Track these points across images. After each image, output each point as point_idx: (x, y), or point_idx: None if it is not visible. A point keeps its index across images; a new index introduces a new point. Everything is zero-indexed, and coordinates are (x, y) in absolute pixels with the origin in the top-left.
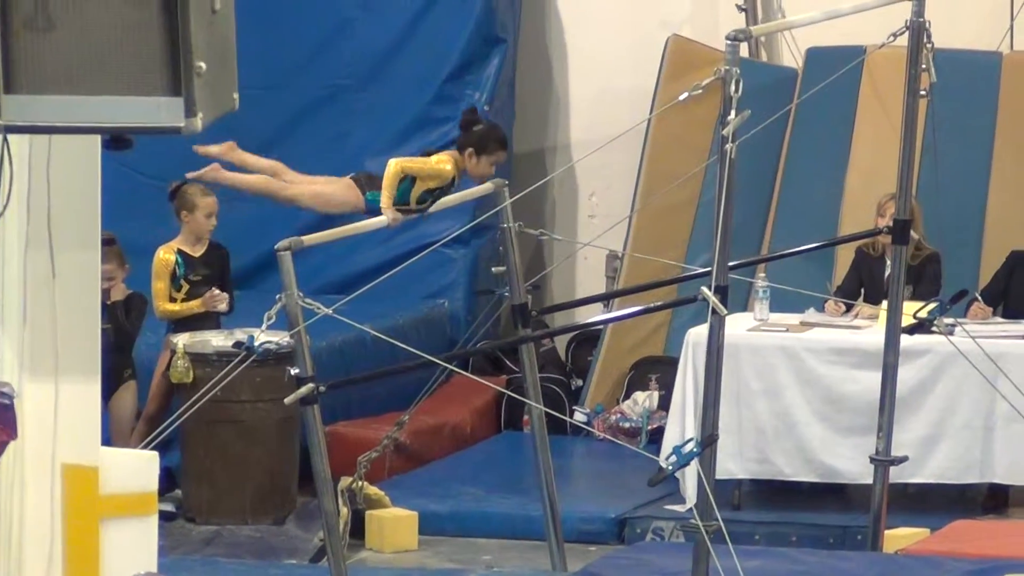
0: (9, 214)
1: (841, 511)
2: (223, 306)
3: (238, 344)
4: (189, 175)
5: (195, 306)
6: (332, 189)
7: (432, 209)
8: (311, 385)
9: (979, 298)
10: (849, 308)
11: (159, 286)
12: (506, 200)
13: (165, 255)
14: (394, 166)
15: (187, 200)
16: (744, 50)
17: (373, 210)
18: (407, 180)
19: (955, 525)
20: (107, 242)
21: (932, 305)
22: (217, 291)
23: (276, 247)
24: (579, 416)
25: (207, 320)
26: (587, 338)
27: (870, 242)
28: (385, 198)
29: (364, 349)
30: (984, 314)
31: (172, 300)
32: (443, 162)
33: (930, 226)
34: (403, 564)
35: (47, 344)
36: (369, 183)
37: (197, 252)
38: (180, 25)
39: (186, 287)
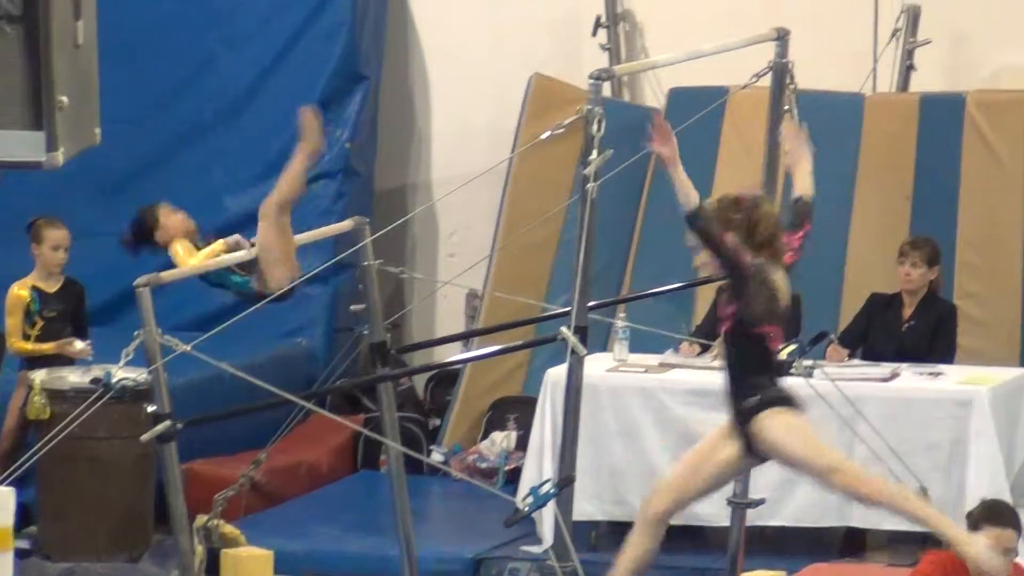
0: None
1: (699, 553)
2: (78, 347)
3: (95, 380)
4: None
5: (47, 348)
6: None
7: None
8: (168, 422)
9: (835, 340)
10: (706, 349)
11: (12, 322)
12: (367, 237)
13: (19, 291)
14: None
15: (35, 233)
16: (607, 89)
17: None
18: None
19: (813, 568)
20: None
21: (792, 347)
22: (76, 340)
23: (135, 283)
24: (436, 456)
25: (61, 357)
26: (446, 377)
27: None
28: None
29: (222, 386)
30: (840, 356)
31: (26, 337)
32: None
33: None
34: None
35: None
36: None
37: (52, 288)
38: (42, 59)
39: (40, 323)
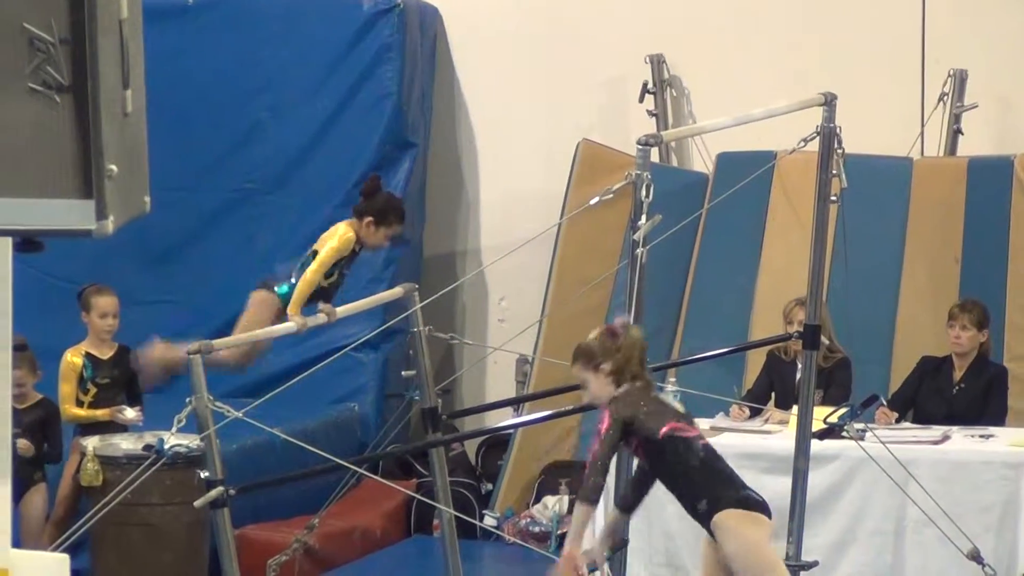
0: None
1: None
2: (129, 416)
3: (148, 447)
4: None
5: (101, 415)
6: (248, 314)
7: (341, 312)
8: (221, 488)
9: (884, 403)
10: (756, 413)
11: (66, 389)
12: (416, 304)
13: (72, 358)
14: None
15: (84, 301)
16: (655, 155)
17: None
18: (308, 259)
19: None
20: (19, 347)
21: (843, 410)
22: (127, 408)
23: (187, 350)
24: (489, 520)
25: (114, 424)
26: (497, 442)
27: (781, 347)
28: (292, 306)
29: (274, 452)
30: (888, 419)
31: (79, 403)
32: (342, 234)
33: (841, 331)
34: None
35: None
36: (275, 280)
37: (105, 355)
38: (92, 127)
39: (93, 390)
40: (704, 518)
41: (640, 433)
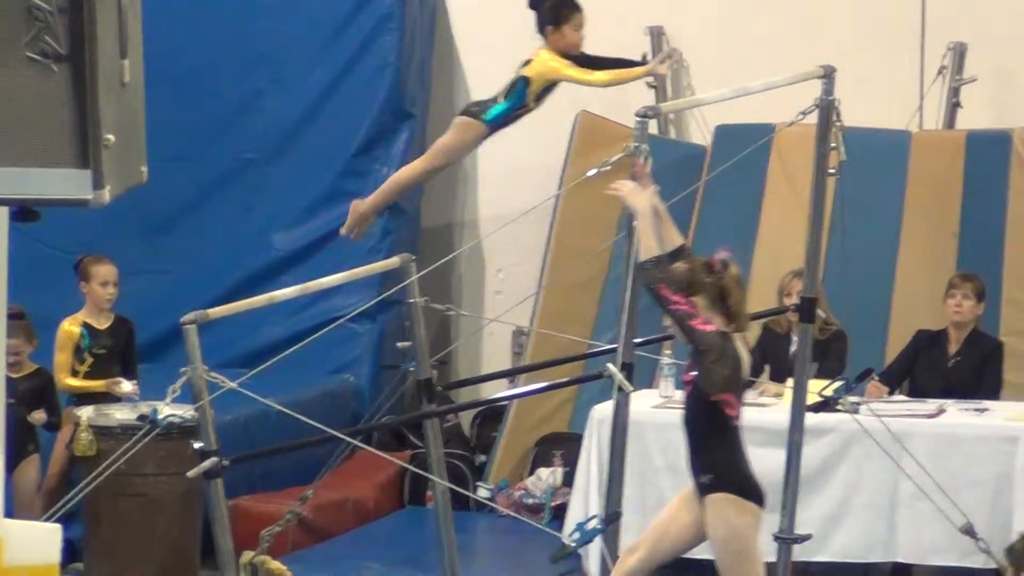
0: None
1: None
2: (126, 389)
3: (142, 417)
4: (343, 231)
5: (97, 386)
6: (448, 137)
7: (337, 280)
8: (215, 459)
9: (875, 377)
10: (749, 385)
11: (62, 358)
12: (413, 275)
13: (70, 327)
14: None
15: (83, 270)
16: (653, 127)
17: (499, 124)
18: (520, 81)
19: None
20: (15, 316)
21: (838, 383)
22: (123, 380)
23: (181, 320)
24: (483, 492)
25: (108, 395)
26: (492, 414)
27: (776, 320)
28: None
29: (268, 423)
30: (879, 393)
31: (75, 373)
32: (545, 59)
33: (837, 304)
34: None
35: None
36: (480, 106)
37: (102, 325)
38: (88, 97)
39: (90, 360)
40: (702, 490)
41: (707, 376)
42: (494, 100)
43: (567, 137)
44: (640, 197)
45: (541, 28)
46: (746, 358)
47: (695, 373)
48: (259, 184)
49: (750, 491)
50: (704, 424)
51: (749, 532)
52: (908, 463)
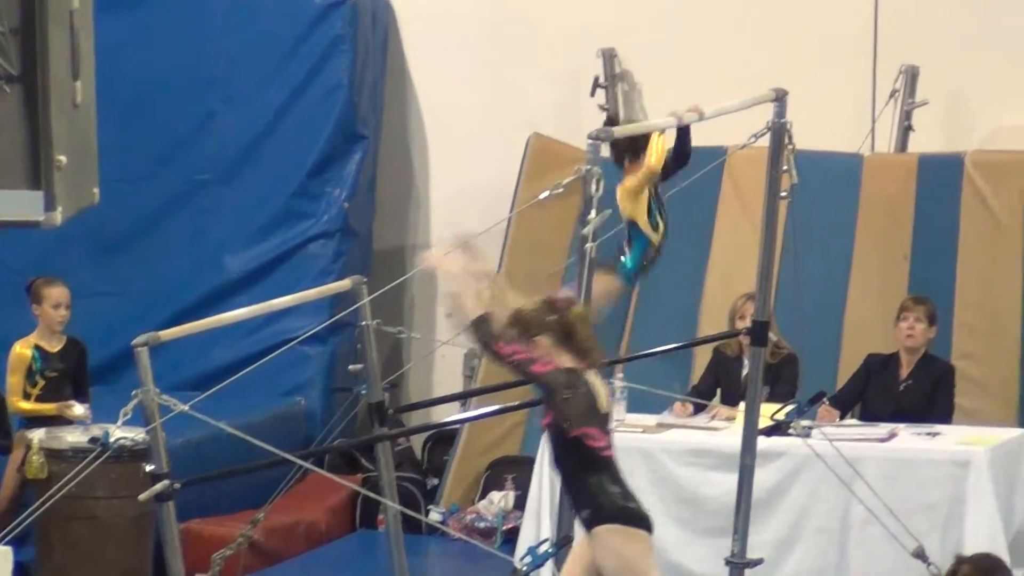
0: None
1: None
2: (78, 412)
3: (93, 440)
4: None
5: (48, 409)
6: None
7: (288, 302)
8: (166, 482)
9: (827, 401)
10: (700, 409)
11: (13, 381)
12: (364, 297)
13: (21, 349)
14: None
15: (35, 292)
16: (605, 149)
17: (632, 275)
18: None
19: None
20: None
21: (790, 407)
22: (75, 404)
23: (133, 342)
24: (434, 515)
25: (59, 417)
26: (444, 437)
27: (728, 343)
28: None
29: (220, 446)
30: (831, 417)
31: (27, 396)
32: (621, 196)
33: (789, 327)
34: None
35: None
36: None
37: (54, 347)
38: (41, 118)
39: (42, 383)
40: (586, 526)
41: (559, 414)
42: (621, 254)
43: (519, 159)
44: (445, 263)
45: (619, 161)
46: (602, 390)
47: (548, 416)
48: (211, 205)
49: (633, 519)
50: (572, 462)
51: (640, 559)
52: (860, 487)
